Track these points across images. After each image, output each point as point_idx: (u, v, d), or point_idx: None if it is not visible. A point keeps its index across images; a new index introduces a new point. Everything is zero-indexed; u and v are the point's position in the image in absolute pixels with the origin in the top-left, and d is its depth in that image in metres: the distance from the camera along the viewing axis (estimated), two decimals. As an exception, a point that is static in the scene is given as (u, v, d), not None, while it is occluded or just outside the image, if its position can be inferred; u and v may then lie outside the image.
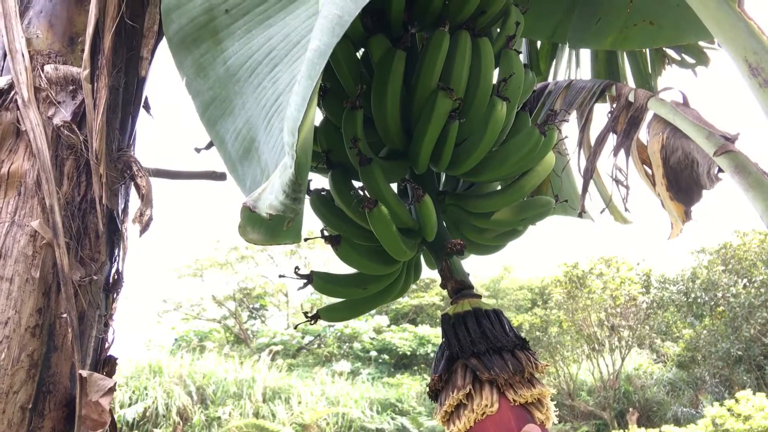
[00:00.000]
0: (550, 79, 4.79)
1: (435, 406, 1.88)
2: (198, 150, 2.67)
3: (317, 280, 2.25)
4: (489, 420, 1.68)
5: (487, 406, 1.68)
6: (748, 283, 21.73)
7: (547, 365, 1.88)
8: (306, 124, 1.42)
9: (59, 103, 2.53)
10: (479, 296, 2.01)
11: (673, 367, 25.79)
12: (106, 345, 2.55)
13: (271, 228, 1.62)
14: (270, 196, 1.49)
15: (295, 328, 3.52)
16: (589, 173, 3.75)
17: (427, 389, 1.89)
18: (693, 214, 3.60)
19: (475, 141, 2.16)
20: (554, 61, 4.77)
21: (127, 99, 2.79)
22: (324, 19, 1.44)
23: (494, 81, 2.30)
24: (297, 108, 1.40)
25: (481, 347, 1.80)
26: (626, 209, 3.74)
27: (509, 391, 1.72)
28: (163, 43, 2.71)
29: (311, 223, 2.37)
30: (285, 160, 1.46)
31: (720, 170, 3.22)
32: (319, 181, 2.46)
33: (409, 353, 29.80)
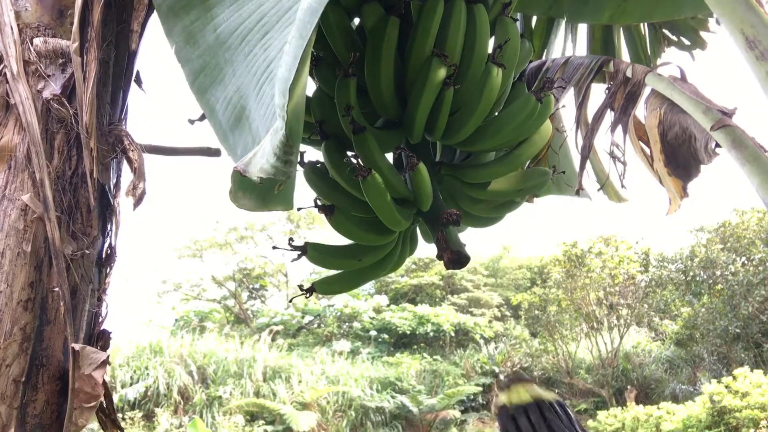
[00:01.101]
0: (545, 57, 4.74)
1: None
2: (191, 121, 2.64)
3: (311, 251, 2.23)
4: None
5: None
6: (746, 261, 21.77)
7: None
8: (298, 85, 1.39)
9: (49, 76, 2.50)
10: (529, 380, 1.88)
11: (672, 345, 25.93)
12: (100, 319, 2.54)
13: (262, 193, 1.60)
14: (261, 160, 1.46)
15: (290, 301, 3.49)
16: (587, 150, 3.72)
17: None
18: (691, 191, 3.59)
19: (471, 108, 2.13)
20: (549, 40, 4.72)
21: (117, 72, 2.75)
22: (314, -21, 1.40)
23: (490, 49, 2.26)
24: (288, 68, 1.37)
25: None
26: (623, 186, 3.72)
27: None
28: (155, 17, 2.66)
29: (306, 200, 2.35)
30: (276, 124, 1.44)
31: (717, 145, 3.20)
32: (313, 155, 2.44)
33: (408, 332, 29.94)
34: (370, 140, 2.06)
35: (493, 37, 2.33)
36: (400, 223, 2.11)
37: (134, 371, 21.41)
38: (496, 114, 2.27)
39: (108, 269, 2.61)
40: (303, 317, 31.77)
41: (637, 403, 21.55)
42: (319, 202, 2.22)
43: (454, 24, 2.14)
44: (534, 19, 4.60)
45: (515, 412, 1.72)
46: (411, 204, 2.18)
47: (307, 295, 2.33)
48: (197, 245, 35.24)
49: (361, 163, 2.04)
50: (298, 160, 2.20)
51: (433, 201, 2.17)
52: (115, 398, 19.07)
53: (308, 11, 1.35)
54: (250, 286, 36.49)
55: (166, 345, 23.07)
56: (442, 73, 2.04)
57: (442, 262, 2.12)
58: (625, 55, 4.64)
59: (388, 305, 32.78)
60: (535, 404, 1.72)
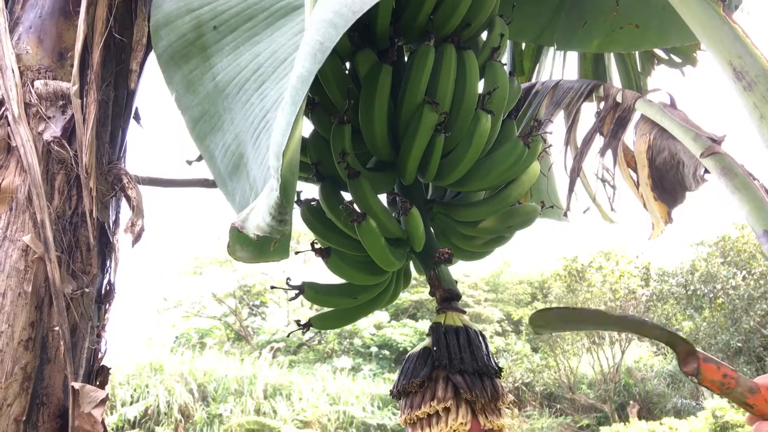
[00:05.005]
0: (535, 77, 4.82)
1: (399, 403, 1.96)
2: (189, 162, 2.70)
3: (308, 290, 2.28)
4: None
5: (462, 424, 1.76)
6: (747, 275, 21.74)
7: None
8: (291, 148, 1.45)
9: (49, 118, 2.55)
10: (464, 311, 2.06)
11: (673, 360, 25.85)
12: (99, 356, 2.59)
13: (258, 247, 1.65)
14: (257, 218, 1.52)
15: (288, 336, 3.54)
16: (576, 173, 3.78)
17: (396, 388, 1.96)
18: (675, 216, 3.63)
19: (461, 153, 2.19)
20: (539, 61, 4.79)
21: (116, 112, 2.81)
22: (306, 45, 1.47)
23: (479, 92, 2.32)
24: (281, 133, 1.42)
25: (468, 366, 1.86)
26: (612, 209, 3.77)
27: (482, 415, 1.81)
28: (153, 55, 2.73)
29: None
30: (271, 183, 1.49)
31: (706, 171, 3.25)
32: (310, 191, 2.49)
33: (409, 348, 29.76)
34: (365, 185, 2.11)
35: (482, 80, 2.40)
36: (394, 264, 2.17)
37: (134, 389, 21.32)
38: (486, 155, 2.33)
39: (107, 306, 2.66)
40: (303, 333, 31.69)
41: (640, 418, 21.49)
42: (316, 245, 2.28)
43: (444, 72, 2.20)
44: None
45: (447, 331, 1.97)
46: (405, 244, 2.23)
47: (304, 330, 2.39)
48: (197, 262, 35.21)
49: (356, 207, 2.09)
50: (295, 199, 2.26)
51: (425, 240, 2.22)
52: (115, 417, 19.04)
53: (300, 78, 1.41)
54: (251, 303, 36.41)
55: (167, 363, 23.00)
56: (433, 120, 2.10)
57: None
58: (615, 72, 4.71)
59: (389, 321, 32.70)
60: (464, 329, 1.98)
